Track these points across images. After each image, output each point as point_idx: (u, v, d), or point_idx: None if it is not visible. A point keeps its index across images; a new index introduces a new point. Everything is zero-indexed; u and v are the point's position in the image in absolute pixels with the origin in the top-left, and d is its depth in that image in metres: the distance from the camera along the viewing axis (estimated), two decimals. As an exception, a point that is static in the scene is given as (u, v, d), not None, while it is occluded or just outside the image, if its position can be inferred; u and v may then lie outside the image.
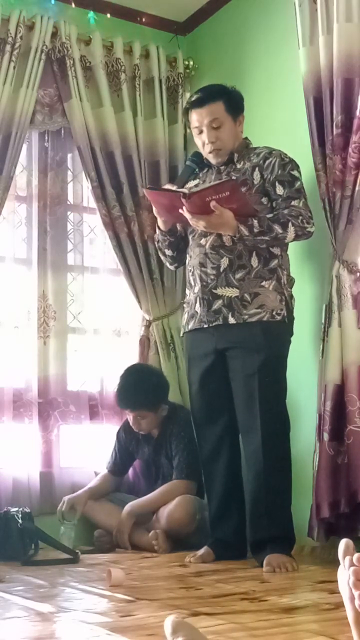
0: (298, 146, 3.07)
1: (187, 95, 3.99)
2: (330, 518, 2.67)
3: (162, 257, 3.15)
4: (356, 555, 1.13)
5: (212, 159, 2.88)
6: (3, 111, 3.41)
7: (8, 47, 3.43)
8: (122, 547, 3.17)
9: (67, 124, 3.62)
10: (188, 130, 3.97)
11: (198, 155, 2.93)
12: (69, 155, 3.78)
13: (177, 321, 3.75)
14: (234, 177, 2.79)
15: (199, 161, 2.92)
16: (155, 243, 3.15)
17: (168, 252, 3.05)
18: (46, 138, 3.68)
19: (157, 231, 3.02)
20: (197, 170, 2.93)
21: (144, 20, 3.93)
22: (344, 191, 2.79)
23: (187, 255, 2.92)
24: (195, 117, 2.84)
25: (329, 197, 2.85)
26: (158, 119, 3.84)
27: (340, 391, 2.71)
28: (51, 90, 3.61)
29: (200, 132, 2.85)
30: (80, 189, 3.78)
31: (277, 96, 3.36)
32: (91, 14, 3.74)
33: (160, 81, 3.86)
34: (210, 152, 2.85)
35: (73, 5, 3.70)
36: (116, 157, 3.68)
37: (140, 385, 3.28)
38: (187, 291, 2.92)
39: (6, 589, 2.15)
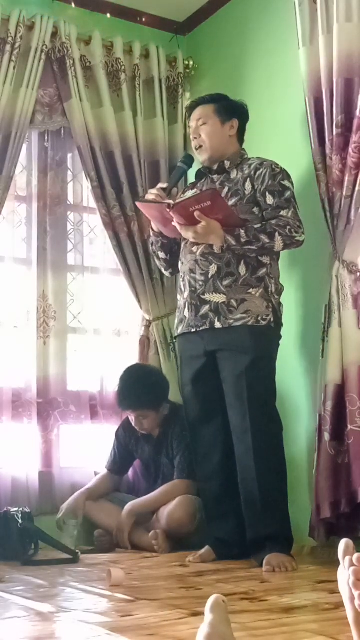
0: (298, 146, 3.07)
1: (187, 95, 4.00)
2: (331, 518, 2.67)
3: (157, 262, 3.19)
4: (356, 555, 1.13)
5: (198, 157, 2.97)
6: (3, 111, 3.41)
7: (8, 47, 3.43)
8: (122, 547, 3.17)
9: (67, 124, 3.63)
10: (188, 130, 4.01)
11: (189, 157, 3.03)
12: (69, 155, 3.78)
13: (177, 321, 3.76)
14: (217, 187, 2.84)
15: (190, 162, 3.01)
16: (150, 247, 3.18)
17: (161, 254, 3.08)
18: (46, 138, 3.68)
19: (151, 233, 3.07)
20: (187, 170, 3.02)
21: (144, 20, 3.93)
22: (344, 191, 2.79)
23: (180, 262, 2.94)
24: (191, 119, 2.98)
25: (329, 197, 2.85)
26: (158, 119, 3.84)
27: (341, 391, 2.71)
28: (51, 90, 3.61)
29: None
30: (80, 189, 3.78)
31: (277, 96, 3.36)
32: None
33: (160, 81, 3.86)
34: (195, 150, 2.96)
35: (73, 5, 3.71)
36: (116, 157, 3.69)
37: (140, 385, 3.28)
38: (179, 296, 2.95)
39: (6, 589, 2.15)
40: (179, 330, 2.90)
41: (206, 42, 3.95)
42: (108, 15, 3.82)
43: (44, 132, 3.66)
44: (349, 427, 2.66)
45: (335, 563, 1.20)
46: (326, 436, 2.71)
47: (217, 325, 2.74)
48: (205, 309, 2.77)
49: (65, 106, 3.62)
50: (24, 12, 3.48)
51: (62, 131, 3.68)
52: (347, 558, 1.14)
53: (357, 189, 2.75)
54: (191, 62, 3.99)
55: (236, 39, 3.71)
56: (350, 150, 2.76)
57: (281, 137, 3.25)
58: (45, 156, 3.68)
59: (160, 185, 2.91)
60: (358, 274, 2.76)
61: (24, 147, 3.56)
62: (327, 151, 2.87)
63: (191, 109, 2.99)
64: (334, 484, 2.67)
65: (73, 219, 3.77)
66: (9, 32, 3.44)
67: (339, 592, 1.17)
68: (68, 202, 3.76)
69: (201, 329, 2.78)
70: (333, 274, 2.80)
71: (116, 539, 3.21)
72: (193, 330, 2.81)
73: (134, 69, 3.80)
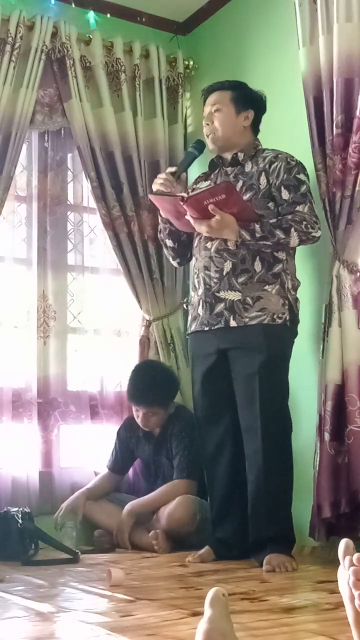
0: (298, 146, 3.06)
1: (187, 95, 4.01)
2: (332, 518, 2.67)
3: (165, 251, 3.14)
4: (356, 555, 1.13)
5: (208, 143, 2.91)
6: (3, 111, 3.41)
7: (8, 47, 3.43)
8: (122, 547, 3.17)
9: (67, 124, 3.62)
10: (188, 130, 4.01)
11: (200, 143, 2.96)
12: (69, 155, 3.78)
13: (177, 321, 3.75)
14: (231, 180, 2.80)
15: (201, 148, 2.94)
16: (159, 235, 3.13)
17: (169, 242, 3.03)
18: (46, 138, 3.68)
19: (160, 219, 3.02)
20: (198, 156, 2.95)
21: (144, 20, 3.93)
22: (344, 191, 2.79)
23: (194, 258, 2.92)
24: (206, 104, 2.91)
25: (329, 197, 2.85)
26: (158, 119, 3.84)
27: (341, 391, 2.71)
28: (51, 90, 3.61)
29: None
30: (80, 189, 3.78)
31: (277, 96, 3.35)
32: (91, 14, 3.75)
33: (160, 81, 3.86)
34: (207, 136, 2.90)
35: (73, 5, 3.71)
36: (116, 157, 3.69)
37: (155, 382, 3.28)
38: (192, 293, 2.92)
39: (6, 589, 2.15)
40: (192, 328, 2.86)
41: (206, 42, 3.95)
42: (108, 15, 3.82)
43: (44, 132, 3.66)
44: (349, 427, 2.66)
45: (335, 563, 1.20)
46: (326, 436, 2.71)
47: (233, 323, 2.71)
48: (220, 307, 2.74)
49: (65, 106, 3.62)
50: (24, 12, 3.48)
51: (62, 131, 3.68)
52: (347, 558, 1.14)
53: (357, 189, 2.76)
54: (191, 62, 3.99)
55: (236, 39, 3.71)
56: (350, 150, 2.76)
57: (281, 137, 3.24)
58: (45, 156, 3.68)
59: (169, 170, 2.88)
60: (358, 274, 2.77)
61: (24, 147, 3.56)
62: (327, 151, 2.87)
63: (207, 92, 2.93)
64: (334, 484, 2.67)
65: (73, 219, 3.77)
66: (9, 32, 3.44)
67: (339, 592, 1.17)
68: (68, 202, 3.76)
69: (216, 327, 2.75)
70: (333, 274, 2.80)
71: (116, 539, 3.21)
72: (207, 328, 2.78)
73: (134, 69, 3.80)
